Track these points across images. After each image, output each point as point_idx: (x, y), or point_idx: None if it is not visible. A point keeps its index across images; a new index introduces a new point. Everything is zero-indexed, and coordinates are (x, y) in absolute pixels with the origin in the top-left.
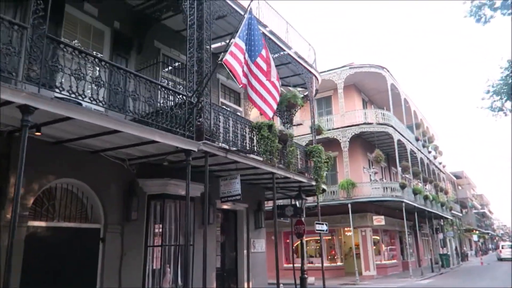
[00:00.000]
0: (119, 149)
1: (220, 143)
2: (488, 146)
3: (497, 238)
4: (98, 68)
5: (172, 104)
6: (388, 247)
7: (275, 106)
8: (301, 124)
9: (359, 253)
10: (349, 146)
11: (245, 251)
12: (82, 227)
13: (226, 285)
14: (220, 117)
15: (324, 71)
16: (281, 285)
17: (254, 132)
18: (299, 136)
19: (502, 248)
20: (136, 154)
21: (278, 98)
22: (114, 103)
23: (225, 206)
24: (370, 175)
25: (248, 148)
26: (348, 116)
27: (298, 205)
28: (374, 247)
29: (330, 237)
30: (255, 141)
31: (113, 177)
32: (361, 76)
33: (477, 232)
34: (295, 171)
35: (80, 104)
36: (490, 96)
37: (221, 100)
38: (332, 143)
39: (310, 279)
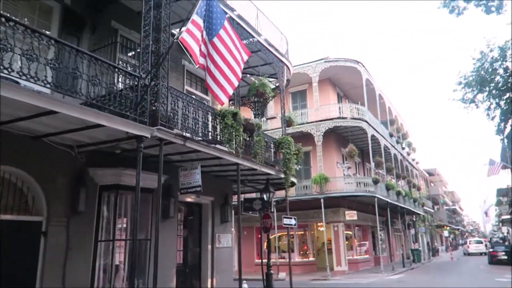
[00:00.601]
0: (64, 134)
1: (178, 130)
2: (459, 143)
3: (466, 234)
4: (30, 40)
5: (125, 86)
6: (361, 242)
7: (230, 92)
8: (274, 117)
9: (331, 248)
10: (323, 141)
11: (209, 246)
12: (20, 219)
13: (188, 282)
14: (178, 102)
15: (299, 65)
16: (244, 282)
17: (217, 120)
18: (272, 129)
19: (470, 243)
20: (85, 141)
21: (235, 83)
22: (63, 84)
23: (188, 199)
24: (343, 170)
25: (210, 136)
26: (322, 110)
27: (265, 198)
28: (347, 242)
29: (302, 232)
30: (218, 129)
31: (58, 165)
32: (336, 70)
33: (448, 228)
34: (262, 162)
35: (18, 83)
36: (462, 88)
37: (187, 87)
38: (306, 138)
39: (281, 275)
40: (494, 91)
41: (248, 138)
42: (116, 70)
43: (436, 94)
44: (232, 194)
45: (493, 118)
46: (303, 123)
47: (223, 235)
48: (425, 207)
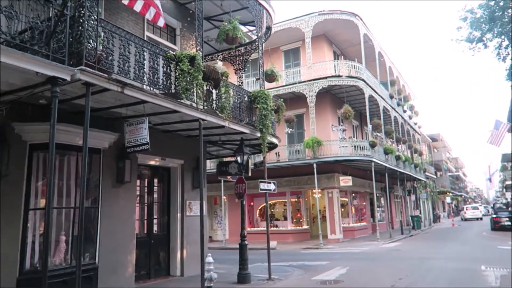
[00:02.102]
0: None
1: (115, 75)
2: (465, 107)
3: (469, 200)
4: None
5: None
6: (357, 209)
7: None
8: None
9: (326, 216)
10: (317, 102)
11: (179, 215)
12: None
13: (154, 254)
14: (114, 40)
15: (291, 19)
16: (208, 255)
17: (171, 66)
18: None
19: (467, 209)
20: None
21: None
22: None
23: (152, 162)
24: (338, 132)
25: (162, 85)
26: (316, 68)
27: (239, 160)
28: (342, 210)
29: (296, 200)
30: (173, 77)
31: None
32: (332, 24)
33: (450, 194)
34: (231, 118)
35: None
36: (469, 25)
37: (148, 34)
38: (299, 99)
39: (272, 243)
40: (507, 27)
41: (213, 89)
42: None
43: (442, 49)
44: (206, 158)
45: (504, 59)
46: (295, 83)
47: (195, 202)
48: (427, 173)
